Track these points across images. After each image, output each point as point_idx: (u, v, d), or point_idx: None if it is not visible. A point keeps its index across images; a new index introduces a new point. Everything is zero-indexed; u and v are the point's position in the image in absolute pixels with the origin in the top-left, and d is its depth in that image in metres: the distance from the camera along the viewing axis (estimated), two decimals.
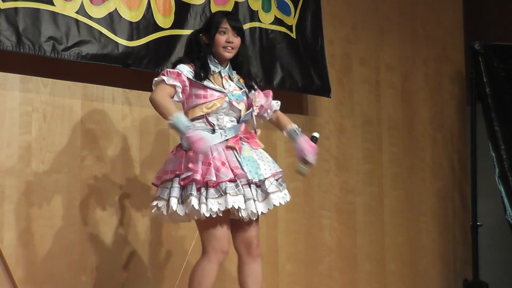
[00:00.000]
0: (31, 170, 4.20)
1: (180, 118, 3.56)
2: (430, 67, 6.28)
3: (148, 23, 4.53)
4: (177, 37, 4.62)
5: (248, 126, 3.86)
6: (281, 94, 5.23)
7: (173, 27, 4.62)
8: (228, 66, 3.83)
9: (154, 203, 3.71)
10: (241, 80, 3.87)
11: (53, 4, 4.19)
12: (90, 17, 4.31)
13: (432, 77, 6.28)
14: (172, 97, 3.69)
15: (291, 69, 5.15)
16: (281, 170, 3.82)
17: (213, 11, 4.77)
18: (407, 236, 5.92)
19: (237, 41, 3.80)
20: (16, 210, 4.13)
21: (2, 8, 4.02)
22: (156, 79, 3.71)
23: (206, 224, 3.64)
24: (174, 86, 3.67)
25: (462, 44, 6.52)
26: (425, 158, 6.13)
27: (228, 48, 3.78)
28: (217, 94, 3.72)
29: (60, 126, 4.33)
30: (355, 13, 5.83)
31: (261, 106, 3.98)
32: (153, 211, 3.72)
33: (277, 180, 3.76)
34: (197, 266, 3.69)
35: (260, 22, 5.05)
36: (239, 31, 3.81)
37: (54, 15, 4.19)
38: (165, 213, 3.64)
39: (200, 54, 3.77)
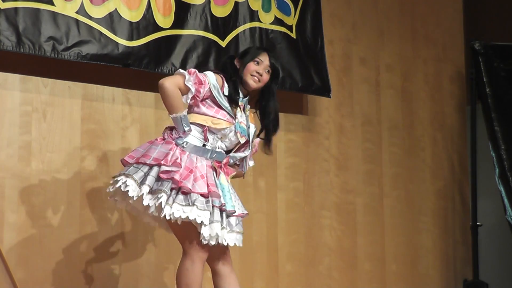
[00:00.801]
0: (31, 170, 4.20)
1: (184, 118, 3.63)
2: (430, 67, 6.28)
3: (148, 23, 4.52)
4: (177, 37, 4.62)
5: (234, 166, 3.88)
6: (281, 94, 5.24)
7: (173, 27, 4.62)
8: (247, 98, 3.84)
9: (122, 179, 3.58)
10: (251, 118, 3.86)
11: (53, 4, 4.19)
12: (90, 17, 4.31)
13: (432, 77, 6.28)
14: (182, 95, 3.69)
15: (291, 69, 5.15)
16: (246, 213, 3.78)
17: (213, 11, 4.78)
18: (407, 236, 5.92)
19: (266, 76, 3.80)
20: (16, 210, 4.13)
21: (2, 8, 4.03)
22: (180, 70, 3.70)
23: (182, 226, 3.60)
24: (188, 89, 3.66)
25: (462, 44, 6.52)
26: (425, 158, 6.13)
27: (255, 77, 3.78)
28: (228, 117, 3.73)
29: (60, 126, 4.33)
30: (355, 13, 5.83)
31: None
32: (117, 186, 3.58)
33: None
34: (181, 268, 3.63)
35: (260, 22, 5.04)
36: (274, 69, 3.81)
37: (54, 15, 4.20)
38: (131, 194, 3.53)
39: (232, 75, 3.78)
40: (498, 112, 6.10)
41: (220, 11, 4.82)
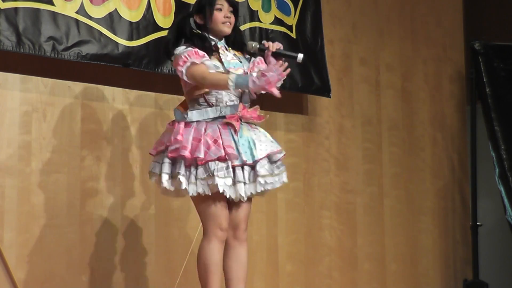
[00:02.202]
0: (31, 170, 4.20)
1: (236, 76, 3.52)
2: (430, 67, 6.28)
3: (148, 23, 4.53)
4: None
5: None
6: (281, 94, 5.24)
7: None
8: (223, 40, 3.78)
9: (151, 178, 3.70)
10: (238, 53, 3.81)
11: (53, 4, 4.19)
12: (90, 17, 4.31)
13: (432, 77, 6.28)
14: None
15: (291, 69, 5.13)
16: (278, 148, 3.72)
17: None
18: (407, 236, 5.92)
19: (233, 17, 3.77)
20: (16, 210, 4.13)
21: (2, 8, 4.02)
22: (187, 67, 3.60)
23: (202, 202, 3.61)
24: (205, 64, 3.62)
25: (462, 44, 6.52)
26: (425, 158, 6.13)
27: (227, 23, 3.75)
28: (216, 67, 3.67)
29: (60, 126, 4.33)
30: (355, 13, 5.83)
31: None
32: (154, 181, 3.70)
33: (272, 162, 3.68)
34: (200, 249, 3.65)
35: (260, 22, 5.05)
36: (234, 7, 3.78)
37: (54, 15, 4.19)
38: (161, 187, 3.63)
39: (196, 34, 3.73)
40: (498, 112, 6.10)
41: None
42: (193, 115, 3.65)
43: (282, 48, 3.68)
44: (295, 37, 5.21)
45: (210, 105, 3.67)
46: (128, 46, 4.44)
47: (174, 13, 4.63)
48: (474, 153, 6.11)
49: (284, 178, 3.74)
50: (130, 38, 4.45)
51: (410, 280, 5.91)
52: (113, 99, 4.53)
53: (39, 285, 4.17)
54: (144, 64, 4.49)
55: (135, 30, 4.48)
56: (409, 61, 6.14)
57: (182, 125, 3.62)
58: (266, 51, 3.64)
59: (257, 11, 5.03)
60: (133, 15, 4.47)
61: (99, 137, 4.45)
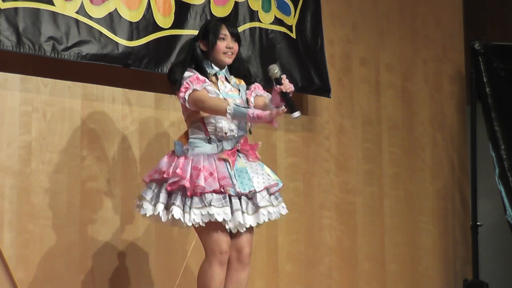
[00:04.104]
0: (31, 170, 4.20)
1: (235, 107, 3.57)
2: (430, 67, 6.28)
3: (148, 23, 4.53)
4: (177, 37, 4.62)
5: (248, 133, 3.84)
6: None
7: (173, 27, 4.63)
8: (225, 69, 3.83)
9: (137, 202, 3.72)
10: (238, 81, 3.85)
11: (53, 4, 4.19)
12: (90, 17, 4.31)
13: (432, 77, 6.28)
14: None
15: (291, 69, 5.14)
16: (275, 182, 3.77)
17: (213, 11, 4.78)
18: (407, 236, 5.92)
19: (235, 47, 3.81)
20: (16, 210, 4.13)
21: (2, 8, 4.03)
22: (189, 93, 3.64)
23: (203, 230, 3.63)
24: (206, 89, 3.67)
25: (462, 44, 6.52)
26: (425, 158, 6.13)
27: (229, 53, 3.78)
28: (215, 95, 3.71)
29: (60, 126, 4.33)
30: (355, 13, 5.83)
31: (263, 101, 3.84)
32: (137, 209, 3.73)
33: (271, 194, 3.74)
34: (200, 270, 3.69)
35: (260, 22, 5.05)
36: (237, 37, 3.83)
37: (54, 15, 4.20)
38: (147, 214, 3.65)
39: (195, 60, 3.78)
40: (498, 112, 6.10)
41: (220, 11, 4.83)
42: (194, 151, 3.67)
43: (293, 92, 3.67)
44: (295, 37, 5.21)
45: (207, 133, 3.70)
46: (128, 46, 4.44)
47: (174, 13, 4.64)
48: (474, 153, 6.11)
49: (283, 210, 3.80)
50: (130, 38, 4.46)
51: (410, 280, 5.91)
52: (113, 99, 4.53)
53: (39, 285, 4.17)
54: (144, 64, 4.50)
55: (135, 30, 4.48)
56: (409, 61, 6.14)
57: (182, 159, 3.65)
58: (278, 85, 3.60)
59: (257, 11, 5.03)
60: (133, 15, 4.47)
61: (99, 137, 4.45)
